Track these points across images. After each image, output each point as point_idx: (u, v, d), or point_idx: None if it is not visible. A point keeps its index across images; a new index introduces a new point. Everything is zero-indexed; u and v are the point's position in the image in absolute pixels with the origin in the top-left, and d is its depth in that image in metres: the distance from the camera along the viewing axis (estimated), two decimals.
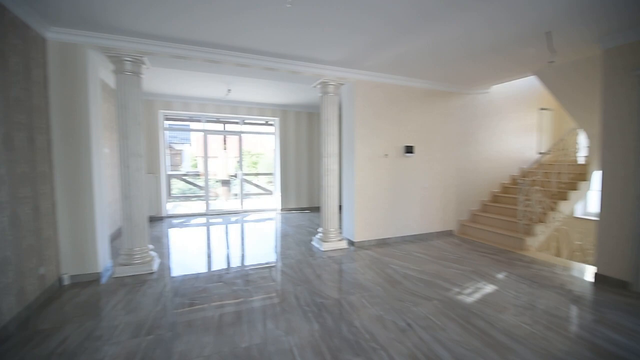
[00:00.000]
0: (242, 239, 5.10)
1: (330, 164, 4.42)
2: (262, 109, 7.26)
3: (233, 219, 6.76)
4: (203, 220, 6.66)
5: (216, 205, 8.29)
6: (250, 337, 2.26)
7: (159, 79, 5.10)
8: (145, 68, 3.59)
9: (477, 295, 2.99)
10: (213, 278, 3.36)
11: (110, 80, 4.59)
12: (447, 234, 5.41)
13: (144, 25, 2.98)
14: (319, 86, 4.45)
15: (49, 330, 2.31)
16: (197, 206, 8.19)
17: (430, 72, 4.42)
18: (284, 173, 7.59)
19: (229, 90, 5.55)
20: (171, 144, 16.29)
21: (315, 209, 7.83)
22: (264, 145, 12.01)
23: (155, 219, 6.40)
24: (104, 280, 3.28)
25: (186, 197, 10.21)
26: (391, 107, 4.73)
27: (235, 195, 9.97)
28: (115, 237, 4.85)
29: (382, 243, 4.79)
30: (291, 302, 2.80)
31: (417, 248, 4.59)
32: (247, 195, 9.64)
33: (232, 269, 3.66)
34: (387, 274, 3.52)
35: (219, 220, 6.59)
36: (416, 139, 4.97)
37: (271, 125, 8.01)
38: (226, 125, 8.46)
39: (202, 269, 3.66)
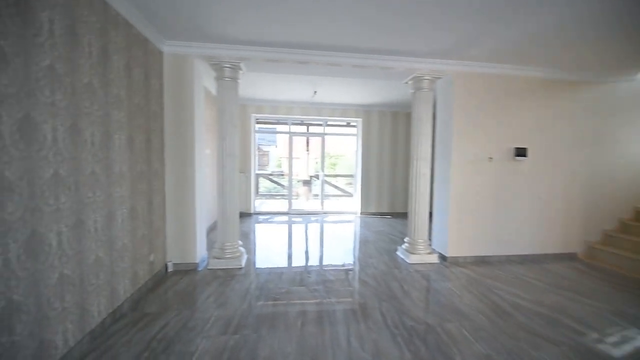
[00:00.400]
0: (323, 240, 5.03)
1: (421, 167, 3.98)
2: (345, 109, 7.14)
3: (313, 219, 6.80)
4: (285, 218, 6.87)
5: (298, 204, 8.51)
6: (334, 354, 2.08)
7: (252, 85, 5.41)
8: (242, 74, 3.78)
9: (628, 348, 2.23)
10: (295, 280, 3.31)
11: (211, 87, 5.04)
12: (569, 257, 4.37)
13: (243, 33, 3.11)
14: (410, 82, 4.06)
15: (153, 315, 2.54)
16: (281, 204, 8.56)
17: (553, 56, 3.59)
18: (365, 175, 7.33)
19: (315, 92, 5.57)
20: (260, 146, 17.72)
21: (397, 215, 7.35)
22: (344, 147, 11.92)
23: (244, 215, 6.86)
24: (200, 269, 3.55)
25: (271, 195, 10.84)
26: (498, 101, 4.02)
27: (316, 195, 10.15)
28: (210, 230, 5.31)
29: (481, 261, 4.12)
30: (377, 320, 2.52)
31: (528, 272, 3.79)
32: (327, 196, 9.69)
33: (313, 271, 3.58)
34: (491, 300, 2.95)
35: (300, 219, 6.70)
36: (530, 139, 4.13)
37: (353, 126, 7.84)
38: (309, 127, 8.65)
39: (284, 268, 3.66)
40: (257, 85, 5.39)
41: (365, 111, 7.20)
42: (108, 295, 2.34)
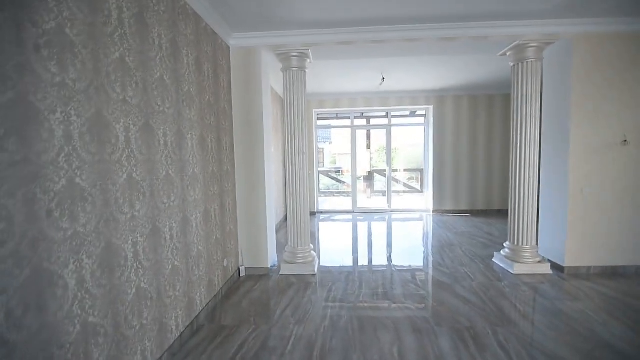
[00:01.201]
0: (398, 243, 4.51)
1: (527, 155, 3.23)
2: (415, 97, 6.45)
3: (381, 218, 6.28)
4: (350, 217, 6.48)
5: (362, 202, 8.06)
6: None
7: (315, 78, 5.10)
8: (309, 63, 3.46)
9: None
10: (377, 292, 2.88)
11: (275, 84, 4.84)
12: None
13: (312, 12, 2.76)
14: (510, 52, 3.31)
15: (230, 328, 2.33)
16: (343, 202, 8.19)
17: None
18: (438, 169, 6.56)
19: (383, 79, 5.04)
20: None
21: (478, 214, 6.44)
22: (402, 139, 11.06)
23: (311, 214, 6.63)
24: (272, 275, 3.33)
25: (330, 193, 10.56)
26: (634, 68, 3.07)
27: (377, 192, 9.57)
28: (277, 230, 5.14)
29: (612, 273, 3.22)
30: (496, 353, 1.97)
31: None
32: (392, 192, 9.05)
33: (395, 281, 3.11)
34: None
35: (366, 218, 6.24)
36: None
37: (420, 116, 7.09)
38: (370, 120, 8.12)
39: (361, 275, 3.26)
40: (321, 77, 5.05)
41: (438, 97, 6.42)
42: (185, 307, 2.18)
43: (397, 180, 9.89)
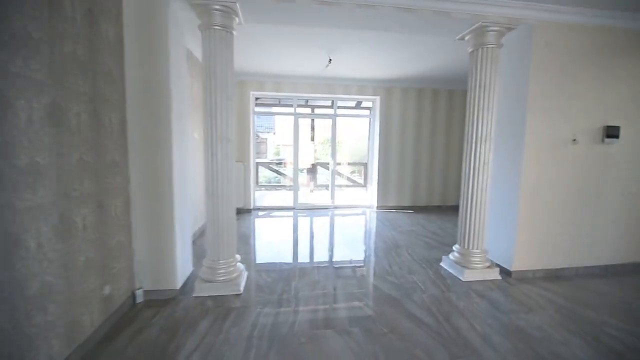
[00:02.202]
0: (341, 247, 4.03)
1: (483, 152, 2.95)
2: (362, 86, 6.02)
3: (324, 215, 5.79)
4: (291, 214, 5.87)
5: (304, 197, 7.50)
6: None
7: (251, 54, 4.30)
8: (238, 24, 2.69)
9: None
10: (317, 319, 2.32)
11: (198, 49, 3.92)
12: None
13: None
14: (469, 36, 2.98)
15: None
16: (283, 197, 7.54)
17: None
18: (383, 164, 6.28)
19: (330, 60, 4.45)
20: (256, 133, 16.60)
21: (420, 210, 6.36)
22: (347, 131, 10.75)
23: (242, 211, 5.85)
24: (182, 299, 2.55)
25: (271, 186, 9.82)
26: (589, 64, 2.96)
27: (321, 186, 9.14)
28: (198, 237, 4.29)
29: (554, 276, 3.15)
30: None
31: (617, 290, 2.85)
32: (335, 187, 8.69)
33: (339, 300, 2.59)
34: (614, 351, 1.98)
35: (308, 215, 5.70)
36: (623, 115, 3.10)
37: (366, 108, 6.75)
38: (315, 109, 7.57)
39: (300, 296, 2.67)
40: (260, 54, 4.28)
41: (386, 88, 6.09)
42: None
43: (340, 174, 9.56)
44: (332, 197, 6.49)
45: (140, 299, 2.48)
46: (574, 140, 3.00)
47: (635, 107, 3.10)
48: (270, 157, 15.35)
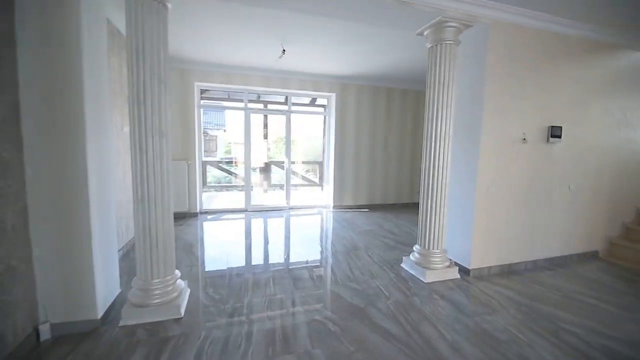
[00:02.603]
0: (298, 251, 3.76)
1: (442, 151, 2.89)
2: (317, 81, 5.79)
3: (279, 217, 5.46)
4: (243, 216, 5.44)
5: (258, 198, 7.07)
6: None
7: (194, 38, 3.80)
8: None
9: None
10: (274, 344, 2.01)
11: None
12: (590, 257, 3.72)
13: None
14: (428, 32, 2.89)
15: None
16: (236, 198, 7.03)
17: (606, 9, 2.69)
18: (339, 162, 6.14)
19: (284, 51, 4.13)
20: (206, 130, 15.55)
21: (376, 208, 6.35)
22: (304, 129, 10.54)
23: (188, 216, 5.26)
24: (105, 330, 2.06)
25: (221, 187, 9.17)
26: (539, 66, 3.06)
27: (275, 186, 8.77)
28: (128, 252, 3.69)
29: (508, 271, 3.23)
30: None
31: (565, 282, 3.00)
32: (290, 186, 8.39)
33: (299, 317, 2.31)
34: (575, 348, 1.99)
35: (263, 218, 5.32)
36: (565, 116, 3.28)
37: (321, 105, 6.56)
38: (268, 105, 7.18)
39: (253, 316, 2.33)
40: (205, 40, 3.80)
41: (341, 84, 5.93)
42: None
43: (295, 173, 9.27)
44: (288, 197, 6.18)
45: (46, 335, 1.93)
46: (524, 139, 3.09)
47: (572, 109, 3.29)
48: (221, 155, 14.49)
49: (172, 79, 4.99)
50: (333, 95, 5.98)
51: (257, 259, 3.47)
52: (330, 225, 5.02)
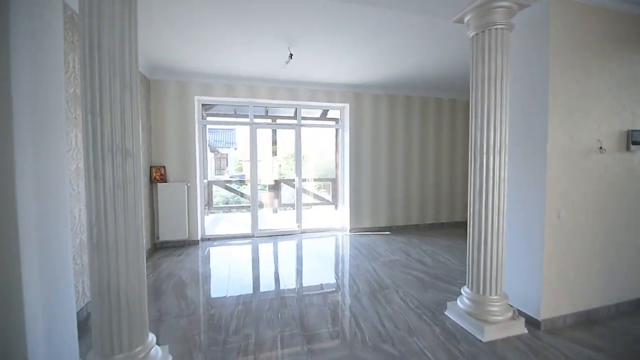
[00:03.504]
0: (313, 296, 3.09)
1: (497, 166, 2.22)
2: (329, 92, 5.26)
3: (288, 245, 4.82)
4: (250, 242, 4.82)
5: (266, 221, 6.47)
6: None
7: (190, 47, 3.35)
8: None
9: None
10: None
11: None
12: None
13: None
14: (470, 16, 2.29)
15: None
16: (243, 220, 6.44)
17: None
18: (355, 180, 5.50)
19: (291, 55, 3.60)
20: (216, 148, 15.30)
21: (397, 230, 5.64)
22: (314, 144, 9.96)
23: (188, 244, 4.69)
24: None
25: (230, 208, 8.61)
26: (612, 54, 2.41)
27: (290, 206, 8.17)
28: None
29: (586, 320, 2.47)
30: None
31: None
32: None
33: None
34: None
35: (270, 245, 4.69)
36: None
37: (333, 119, 6.02)
38: (277, 120, 6.70)
39: None
40: (202, 46, 3.34)
41: (355, 94, 5.38)
42: None
43: (307, 191, 8.67)
44: (299, 219, 5.54)
45: None
46: (601, 147, 2.40)
47: None
48: (232, 174, 14.08)
49: (171, 92, 4.54)
50: (346, 106, 5.42)
51: (262, 304, 2.81)
52: (348, 253, 4.33)
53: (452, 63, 4.05)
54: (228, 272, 3.61)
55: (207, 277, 3.44)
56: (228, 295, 2.95)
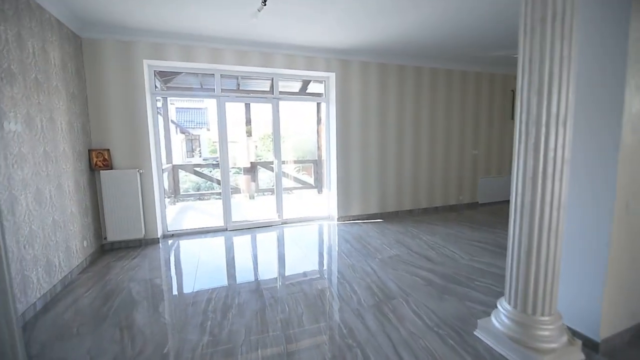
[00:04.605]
0: (304, 312, 2.44)
1: (555, 144, 1.60)
2: (312, 57, 4.43)
3: (268, 238, 4.13)
4: (221, 239, 4.08)
5: (242, 210, 5.72)
6: None
7: None
8: None
9: None
10: None
11: None
12: None
13: None
14: None
15: None
16: (215, 210, 5.64)
17: None
18: (343, 161, 4.81)
19: (264, 2, 2.75)
20: (187, 129, 14.08)
21: (390, 217, 5.09)
22: (293, 122, 9.04)
23: (146, 243, 3.87)
24: None
25: (200, 195, 7.71)
26: None
27: (269, 191, 7.43)
28: (36, 315, 2.32)
29: None
30: None
31: None
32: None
33: None
34: None
35: (245, 241, 3.98)
36: None
37: (316, 94, 5.24)
38: (249, 92, 5.79)
39: None
40: None
41: (341, 61, 4.58)
42: None
43: (286, 174, 7.92)
44: (280, 208, 4.82)
45: None
46: None
47: None
48: (206, 156, 12.97)
49: (111, 55, 3.55)
50: (332, 76, 4.64)
51: (237, 330, 2.12)
52: (339, 248, 3.71)
53: (470, 19, 3.35)
54: (193, 280, 2.88)
55: (165, 291, 2.69)
56: (191, 319, 2.23)
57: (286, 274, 2.99)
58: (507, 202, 6.07)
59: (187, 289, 2.73)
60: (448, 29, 3.63)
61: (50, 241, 2.63)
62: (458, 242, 3.81)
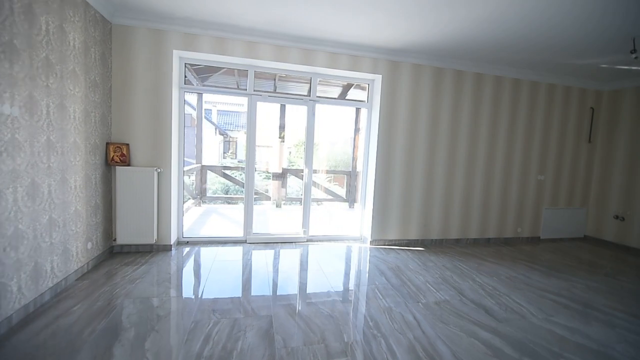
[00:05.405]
0: None
1: None
2: (357, 56, 3.90)
3: (290, 257, 3.60)
4: (239, 252, 3.63)
5: (266, 220, 5.28)
6: None
7: None
8: None
9: None
10: None
11: None
12: None
13: None
14: None
15: None
16: (237, 216, 5.25)
17: None
18: (382, 176, 4.18)
19: None
20: (225, 131, 14.21)
21: (432, 245, 4.35)
22: (329, 128, 8.46)
23: (157, 250, 3.52)
24: None
25: (229, 199, 7.41)
26: None
27: (297, 201, 7.00)
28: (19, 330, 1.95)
29: None
30: None
31: None
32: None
33: None
34: None
35: (264, 258, 3.47)
36: None
37: (357, 101, 4.71)
38: (282, 99, 5.40)
39: None
40: None
41: (390, 62, 4.01)
42: None
43: (316, 184, 7.43)
44: (306, 222, 4.28)
45: None
46: None
47: None
48: (241, 159, 12.93)
49: (141, 43, 3.29)
50: (378, 79, 4.07)
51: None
52: (373, 282, 3.07)
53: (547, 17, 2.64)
54: (196, 305, 2.40)
55: (159, 318, 2.24)
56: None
57: (305, 314, 2.42)
58: (577, 239, 5.06)
59: (185, 318, 2.25)
60: (523, 28, 2.93)
61: (43, 243, 2.30)
62: (523, 290, 3.01)
